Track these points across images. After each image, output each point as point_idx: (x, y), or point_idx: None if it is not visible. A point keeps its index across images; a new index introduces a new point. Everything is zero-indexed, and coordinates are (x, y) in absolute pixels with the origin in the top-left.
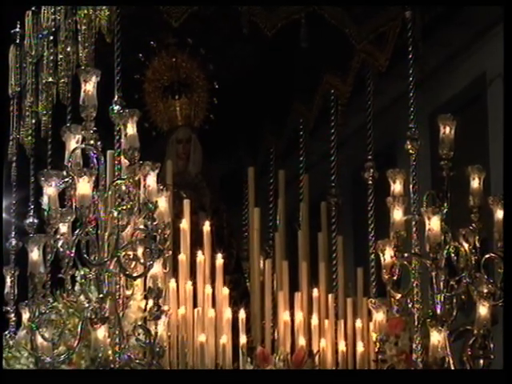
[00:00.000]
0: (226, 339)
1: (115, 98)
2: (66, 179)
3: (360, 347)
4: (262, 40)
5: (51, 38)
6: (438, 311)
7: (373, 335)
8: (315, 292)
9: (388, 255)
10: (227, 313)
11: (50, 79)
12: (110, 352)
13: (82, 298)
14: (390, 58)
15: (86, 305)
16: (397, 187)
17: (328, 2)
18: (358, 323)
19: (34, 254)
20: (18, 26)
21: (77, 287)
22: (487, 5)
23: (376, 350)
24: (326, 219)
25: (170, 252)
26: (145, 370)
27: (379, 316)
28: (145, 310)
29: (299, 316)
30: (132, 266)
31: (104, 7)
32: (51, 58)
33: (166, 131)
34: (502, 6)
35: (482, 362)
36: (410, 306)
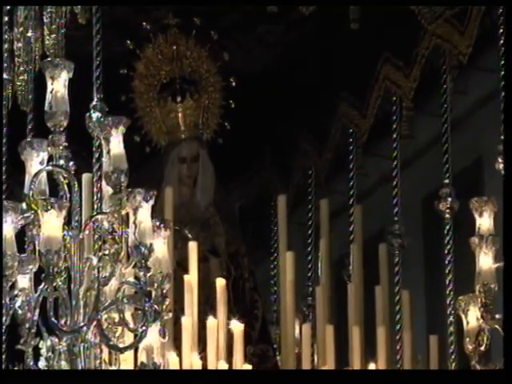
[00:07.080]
0: None
1: (94, 102)
2: (27, 214)
3: None
4: (295, 19)
5: (5, 19)
6: None
7: None
8: (372, 367)
9: (473, 317)
10: None
11: (5, 76)
12: None
13: None
14: (474, 44)
15: None
16: (484, 222)
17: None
18: None
19: None
20: None
21: (41, 363)
22: (488, 4)
23: None
24: (386, 267)
25: (171, 314)
26: (145, 370)
27: None
28: None
29: None
30: (118, 333)
31: None
32: (5, 46)
33: (164, 146)
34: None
35: None
36: None
